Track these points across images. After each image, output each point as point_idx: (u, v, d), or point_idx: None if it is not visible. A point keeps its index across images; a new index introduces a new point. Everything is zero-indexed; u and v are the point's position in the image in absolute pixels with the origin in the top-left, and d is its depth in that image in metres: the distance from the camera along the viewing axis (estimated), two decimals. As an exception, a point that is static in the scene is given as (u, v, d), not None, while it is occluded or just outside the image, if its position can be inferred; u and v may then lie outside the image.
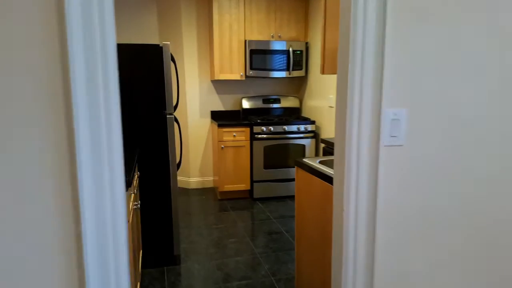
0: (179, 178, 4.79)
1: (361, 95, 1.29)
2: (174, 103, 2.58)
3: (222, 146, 4.12)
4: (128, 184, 1.74)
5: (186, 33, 4.42)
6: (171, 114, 2.57)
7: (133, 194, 2.00)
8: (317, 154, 4.37)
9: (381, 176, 1.34)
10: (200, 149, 4.69)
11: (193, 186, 4.73)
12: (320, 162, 2.01)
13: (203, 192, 4.58)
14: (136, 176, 2.31)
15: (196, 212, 3.87)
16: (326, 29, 1.98)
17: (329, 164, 1.96)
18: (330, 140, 2.73)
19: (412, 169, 1.34)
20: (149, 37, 4.55)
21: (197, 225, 3.52)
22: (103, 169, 1.06)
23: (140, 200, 2.58)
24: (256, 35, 4.31)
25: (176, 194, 2.66)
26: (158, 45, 2.45)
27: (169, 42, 2.51)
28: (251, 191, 4.32)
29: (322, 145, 3.15)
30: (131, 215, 1.89)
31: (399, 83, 1.28)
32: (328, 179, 1.75)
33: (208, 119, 4.67)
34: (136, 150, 2.38)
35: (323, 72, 1.99)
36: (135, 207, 2.12)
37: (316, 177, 1.88)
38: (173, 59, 2.59)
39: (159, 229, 2.66)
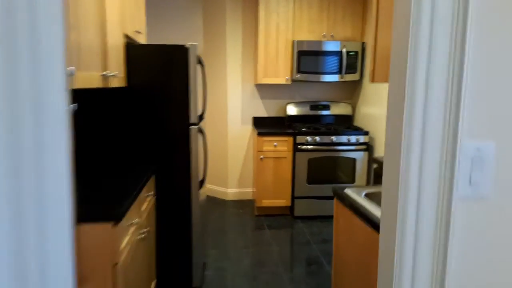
0: (216, 188, 4.52)
1: (425, 119, 0.84)
2: (200, 112, 2.25)
3: (262, 156, 3.75)
4: (117, 216, 1.43)
5: (231, 35, 4.13)
6: (195, 124, 2.25)
7: (134, 226, 1.71)
8: (369, 171, 3.81)
9: (454, 245, 0.88)
10: (240, 158, 4.37)
11: (230, 197, 4.43)
12: (367, 196, 1.54)
13: (241, 205, 4.25)
14: (149, 198, 2.03)
15: (229, 229, 3.55)
16: (378, 28, 1.51)
17: (379, 198, 1.49)
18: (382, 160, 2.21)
19: (502, 236, 0.86)
20: (194, 39, 4.34)
21: (228, 246, 3.19)
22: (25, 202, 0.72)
23: (157, 223, 2.30)
24: (306, 35, 3.87)
25: (198, 216, 2.34)
26: (184, 46, 2.15)
27: (197, 43, 2.19)
28: (291, 207, 3.90)
29: (374, 165, 2.64)
30: (127, 251, 1.59)
31: (482, 104, 0.81)
32: (376, 225, 1.29)
33: (250, 126, 4.33)
34: (150, 168, 2.10)
35: (372, 80, 1.52)
36: (139, 237, 1.83)
37: (359, 218, 1.43)
38: (200, 62, 2.27)
39: (177, 257, 2.36)
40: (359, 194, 1.54)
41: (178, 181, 2.28)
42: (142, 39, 2.52)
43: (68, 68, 1.26)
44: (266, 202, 3.84)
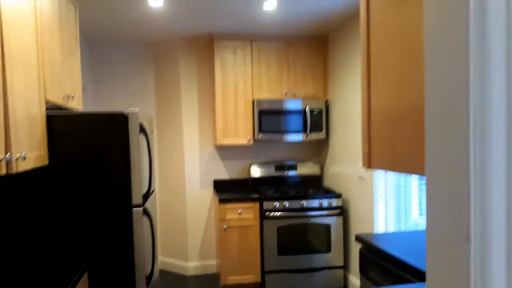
0: (173, 262, 3.95)
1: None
2: (145, 190, 1.84)
3: (225, 226, 3.32)
4: None
5: (185, 95, 3.86)
6: (139, 206, 1.83)
7: None
8: (346, 238, 3.47)
9: None
10: (201, 226, 3.90)
11: (191, 272, 3.86)
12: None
13: (204, 281, 3.69)
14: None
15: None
16: (372, 87, 1.24)
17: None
18: (369, 241, 1.86)
19: None
20: (147, 102, 4.02)
21: None
22: None
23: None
24: (266, 94, 3.69)
25: (145, 321, 1.83)
26: (123, 113, 1.80)
27: (137, 109, 1.85)
28: (262, 284, 3.41)
29: (358, 245, 2.30)
30: None
31: None
32: None
33: (210, 190, 3.92)
34: (80, 264, 1.61)
35: (369, 165, 1.22)
36: None
37: None
38: (143, 131, 1.91)
39: None
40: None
41: (119, 277, 1.80)
42: (75, 104, 2.14)
43: None
44: (233, 279, 3.34)
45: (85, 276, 1.73)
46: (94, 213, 1.78)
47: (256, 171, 3.86)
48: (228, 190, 3.77)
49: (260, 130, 3.59)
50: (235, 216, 3.34)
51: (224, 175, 3.94)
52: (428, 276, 0.61)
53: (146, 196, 1.93)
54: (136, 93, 4.00)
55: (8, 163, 1.29)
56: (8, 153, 1.28)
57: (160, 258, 4.07)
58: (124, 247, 1.81)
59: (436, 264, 0.59)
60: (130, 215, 1.82)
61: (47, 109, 1.75)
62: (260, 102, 3.59)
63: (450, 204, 0.56)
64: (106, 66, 3.91)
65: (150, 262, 1.95)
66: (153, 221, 2.03)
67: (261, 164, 3.90)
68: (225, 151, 3.95)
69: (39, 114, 1.63)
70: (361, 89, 1.37)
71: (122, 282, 1.81)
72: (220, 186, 3.91)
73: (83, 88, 3.60)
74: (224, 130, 3.60)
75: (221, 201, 3.32)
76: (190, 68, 3.85)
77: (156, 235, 2.14)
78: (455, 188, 0.55)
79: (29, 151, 1.50)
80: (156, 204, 4.00)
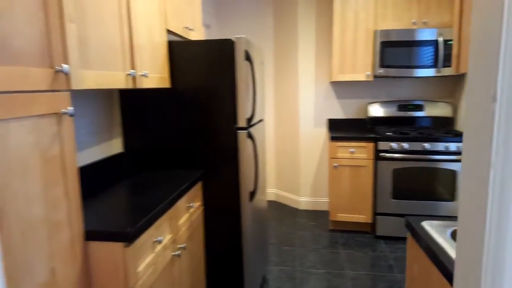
0: (287, 195, 4.18)
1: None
2: (248, 115, 1.96)
3: (335, 164, 3.29)
4: (127, 238, 1.21)
5: (303, 29, 3.76)
6: (243, 128, 1.97)
7: (164, 243, 1.48)
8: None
9: None
10: (314, 164, 3.96)
11: (303, 207, 4.03)
12: (454, 235, 1.05)
13: (314, 216, 3.83)
14: (192, 210, 1.80)
15: (297, 244, 3.17)
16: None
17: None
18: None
19: None
20: (265, 34, 4.09)
21: (294, 264, 2.82)
22: None
23: (205, 235, 2.08)
24: (391, 23, 3.29)
25: (250, 228, 2.05)
26: (230, 39, 1.89)
27: (244, 36, 1.91)
28: (373, 225, 3.34)
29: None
30: (149, 274, 1.36)
31: None
32: None
33: (324, 128, 3.89)
34: (195, 174, 1.87)
35: (457, 69, 1.01)
36: (175, 253, 1.61)
37: (437, 270, 0.95)
38: (248, 58, 1.98)
39: (227, 273, 2.11)
40: (442, 232, 1.05)
41: (226, 189, 2.03)
42: (195, 37, 2.34)
43: (65, 66, 1.08)
44: (342, 216, 3.36)
45: (200, 183, 2.01)
46: (207, 132, 1.99)
47: (375, 111, 3.61)
48: (343, 129, 3.67)
49: (382, 64, 3.28)
50: (347, 154, 3.26)
51: (339, 114, 3.83)
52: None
53: (249, 120, 2.05)
54: (256, 30, 4.09)
55: (133, 77, 1.53)
56: (133, 70, 1.52)
57: (274, 191, 4.35)
58: (230, 164, 2.00)
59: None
60: (235, 135, 1.97)
61: (169, 39, 1.97)
62: (385, 32, 3.23)
63: None
64: (229, 6, 4.08)
65: (253, 180, 2.11)
66: (257, 145, 2.16)
67: (382, 103, 3.62)
68: (341, 89, 3.78)
69: (161, 41, 1.85)
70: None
71: (229, 192, 2.03)
72: (334, 125, 3.83)
73: (208, 26, 3.88)
74: (341, 65, 3.42)
75: (333, 138, 3.27)
76: (308, 1, 3.69)
77: (259, 157, 2.27)
78: None
79: (151, 72, 1.74)
80: (267, 135, 4.21)
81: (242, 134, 1.96)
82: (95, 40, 1.29)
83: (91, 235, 1.23)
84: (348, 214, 3.35)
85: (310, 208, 4.01)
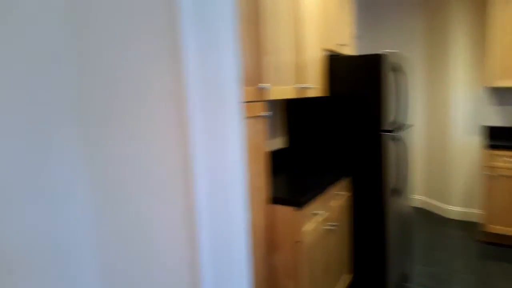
0: (432, 202, 4.10)
1: None
2: (391, 119, 2.28)
3: (487, 173, 3.14)
4: (298, 204, 1.71)
5: (454, 32, 3.70)
6: (387, 131, 2.27)
7: (320, 216, 1.93)
8: None
9: None
10: (464, 173, 3.80)
11: (452, 215, 3.91)
12: None
13: (464, 226, 3.68)
14: (340, 197, 2.21)
15: (443, 249, 3.18)
16: None
17: None
18: None
19: None
20: (415, 44, 4.17)
21: (439, 267, 2.89)
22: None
23: (353, 222, 2.45)
24: None
25: (395, 222, 2.32)
26: (378, 54, 2.23)
27: (391, 51, 2.22)
28: (535, 241, 3.05)
29: None
30: (312, 235, 1.83)
31: None
32: None
33: (475, 136, 3.70)
34: (344, 170, 2.28)
35: None
36: (327, 227, 2.05)
37: None
38: (394, 69, 2.27)
39: (371, 257, 2.43)
40: None
41: (370, 183, 2.36)
42: (347, 51, 2.76)
43: (263, 85, 1.66)
44: (497, 229, 3.19)
45: (348, 179, 2.40)
46: (355, 133, 2.38)
47: (543, 117, 3.27)
48: (499, 138, 3.44)
49: (551, 66, 2.99)
50: (505, 164, 3.09)
51: (495, 121, 3.59)
52: None
53: (393, 124, 2.33)
54: (404, 40, 4.21)
55: (300, 90, 2.06)
56: (300, 83, 2.05)
57: (422, 198, 4.32)
58: (374, 162, 2.32)
59: None
60: (379, 137, 2.29)
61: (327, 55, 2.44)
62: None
63: None
64: (379, 18, 4.33)
65: (395, 178, 2.37)
66: (401, 147, 2.41)
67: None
68: (498, 95, 3.55)
69: (319, 57, 2.34)
70: None
71: (373, 188, 2.35)
72: (490, 133, 3.60)
73: (360, 37, 4.23)
74: (502, 68, 3.23)
75: (490, 146, 3.14)
76: (462, 3, 3.63)
77: (403, 159, 2.51)
78: None
79: (313, 84, 2.24)
80: (417, 141, 4.22)
81: (384, 136, 2.27)
82: (281, 64, 1.86)
83: (274, 200, 1.78)
84: (504, 227, 3.15)
85: (458, 217, 3.87)
